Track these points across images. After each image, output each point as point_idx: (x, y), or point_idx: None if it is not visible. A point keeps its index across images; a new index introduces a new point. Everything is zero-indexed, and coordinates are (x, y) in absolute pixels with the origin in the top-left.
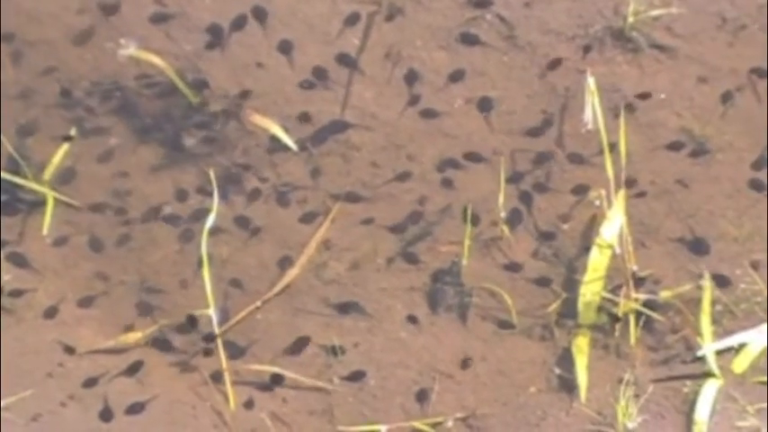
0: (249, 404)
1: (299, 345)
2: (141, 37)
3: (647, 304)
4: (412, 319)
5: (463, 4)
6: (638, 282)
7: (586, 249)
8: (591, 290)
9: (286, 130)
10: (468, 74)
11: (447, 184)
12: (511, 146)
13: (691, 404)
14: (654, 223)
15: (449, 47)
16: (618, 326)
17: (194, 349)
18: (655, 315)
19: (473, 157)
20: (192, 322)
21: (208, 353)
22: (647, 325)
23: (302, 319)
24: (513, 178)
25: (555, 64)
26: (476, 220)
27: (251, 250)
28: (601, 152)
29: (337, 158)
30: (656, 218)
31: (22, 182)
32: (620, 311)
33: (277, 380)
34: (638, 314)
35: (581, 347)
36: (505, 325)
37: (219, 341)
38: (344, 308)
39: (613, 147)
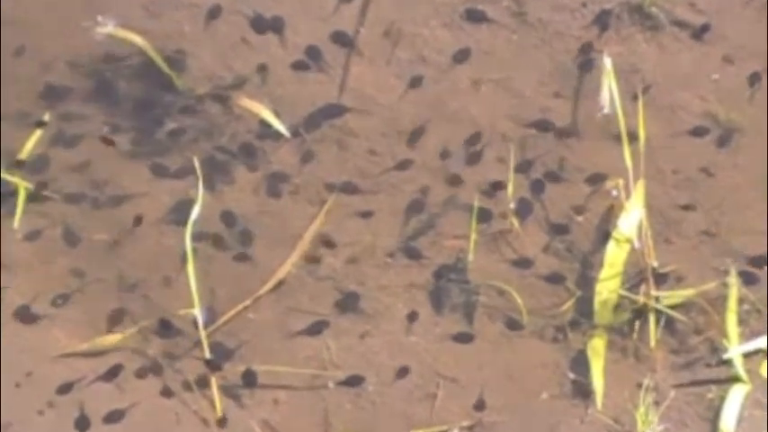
0: (237, 411)
1: (292, 346)
2: (120, 14)
3: (668, 303)
4: (414, 319)
5: None
6: (659, 279)
7: (603, 243)
8: (607, 287)
9: (277, 114)
10: (475, 53)
11: (451, 173)
12: (520, 132)
13: (716, 411)
14: (676, 215)
15: (453, 24)
16: (637, 326)
17: (178, 352)
18: (676, 315)
19: (479, 143)
20: (175, 323)
21: (193, 355)
22: (669, 325)
23: (295, 319)
24: (523, 166)
25: (568, 43)
26: (482, 213)
27: (239, 245)
28: (618, 138)
29: (333, 146)
30: (678, 209)
31: None
32: (638, 311)
33: (268, 384)
34: (659, 314)
35: (597, 350)
36: (515, 325)
37: (205, 343)
38: (341, 307)
39: (632, 132)
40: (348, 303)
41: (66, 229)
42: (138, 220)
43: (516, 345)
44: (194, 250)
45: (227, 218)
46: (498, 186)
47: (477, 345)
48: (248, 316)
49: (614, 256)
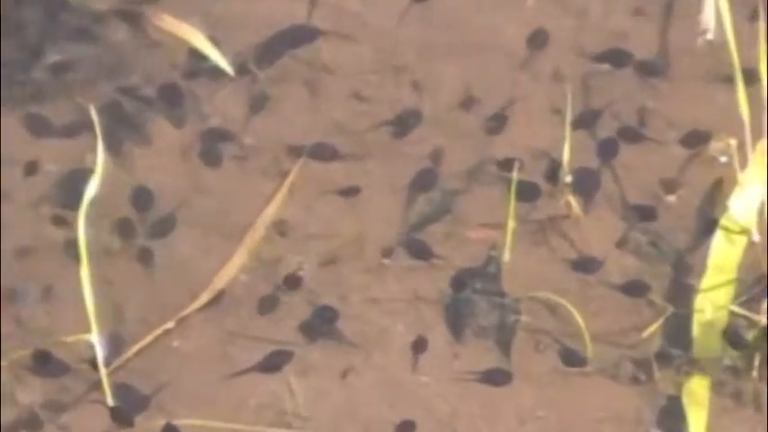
0: None
1: (237, 390)
2: None
3: None
4: (421, 349)
5: None
6: None
7: (706, 236)
8: (713, 302)
9: (215, 41)
10: None
11: (477, 128)
12: (582, 67)
13: None
14: None
15: None
16: (756, 361)
17: (66, 398)
18: None
19: (519, 84)
20: (59, 355)
21: (89, 402)
22: None
23: (242, 349)
24: (586, 120)
25: None
26: (525, 189)
27: (158, 237)
28: (728, 78)
29: (299, 87)
30: None
31: None
32: (759, 337)
33: None
34: None
35: (697, 395)
36: (574, 359)
37: (107, 385)
38: (311, 330)
39: (748, 70)
40: (322, 325)
41: None
42: (6, 199)
43: (576, 388)
44: (90, 245)
45: (140, 197)
46: (548, 150)
47: (517, 388)
48: (171, 344)
49: (723, 256)
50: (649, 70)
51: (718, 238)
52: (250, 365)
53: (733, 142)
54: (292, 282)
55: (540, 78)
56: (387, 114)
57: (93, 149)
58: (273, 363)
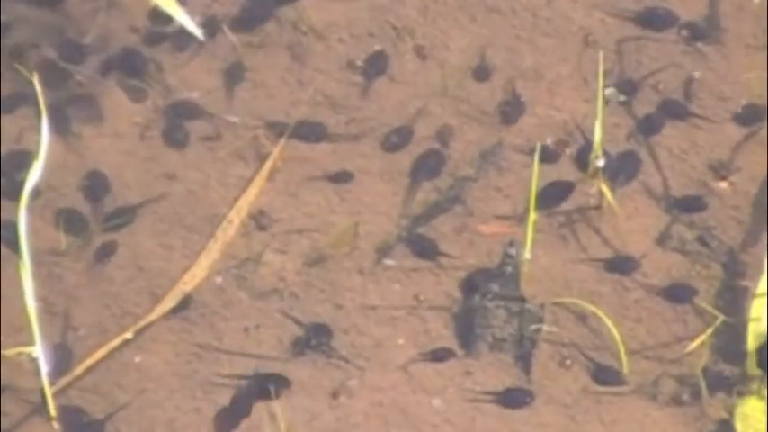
0: None
1: (209, 413)
2: None
3: None
4: (425, 364)
5: None
6: None
7: (763, 230)
8: None
9: (182, 1)
10: None
11: (491, 102)
12: (617, 31)
13: None
14: None
15: None
16: None
17: (5, 423)
18: None
19: (542, 50)
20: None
21: (29, 427)
22: None
23: (213, 364)
24: (623, 91)
25: None
26: (550, 175)
27: (115, 232)
28: None
29: (281, 53)
30: None
31: None
32: None
33: None
34: None
35: (752, 420)
36: (607, 376)
37: (52, 407)
38: (294, 343)
39: None
40: (309, 337)
41: None
42: None
43: (609, 411)
44: (33, 241)
45: (93, 184)
46: (577, 127)
47: (540, 410)
48: (133, 359)
49: None
50: (697, 34)
51: None
52: (221, 384)
53: None
54: (271, 284)
55: (566, 43)
56: (383, 86)
57: (36, 127)
58: (252, 383)
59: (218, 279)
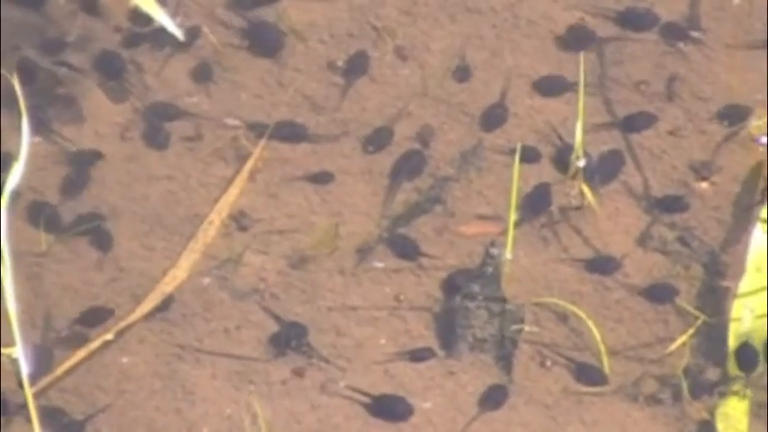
0: None
1: (188, 414)
2: None
3: None
4: (406, 365)
5: None
6: None
7: (745, 231)
8: (753, 309)
9: (162, 1)
10: None
11: (471, 103)
12: (599, 29)
13: None
14: None
15: None
16: None
17: None
18: None
19: (519, 50)
20: None
21: (9, 429)
22: None
23: (193, 366)
24: (603, 91)
25: None
26: (532, 176)
27: (95, 233)
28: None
29: (261, 55)
30: None
31: None
32: None
33: None
34: None
35: (733, 420)
36: (589, 377)
37: (33, 409)
38: (275, 342)
39: None
40: (289, 337)
41: None
42: None
43: (591, 410)
44: (13, 242)
45: (73, 185)
46: (557, 126)
47: (521, 411)
48: (118, 360)
49: (764, 254)
50: (678, 33)
51: (759, 232)
52: (202, 386)
53: None
54: (251, 284)
55: (546, 44)
56: (365, 86)
57: (16, 128)
58: (231, 383)
59: (199, 280)
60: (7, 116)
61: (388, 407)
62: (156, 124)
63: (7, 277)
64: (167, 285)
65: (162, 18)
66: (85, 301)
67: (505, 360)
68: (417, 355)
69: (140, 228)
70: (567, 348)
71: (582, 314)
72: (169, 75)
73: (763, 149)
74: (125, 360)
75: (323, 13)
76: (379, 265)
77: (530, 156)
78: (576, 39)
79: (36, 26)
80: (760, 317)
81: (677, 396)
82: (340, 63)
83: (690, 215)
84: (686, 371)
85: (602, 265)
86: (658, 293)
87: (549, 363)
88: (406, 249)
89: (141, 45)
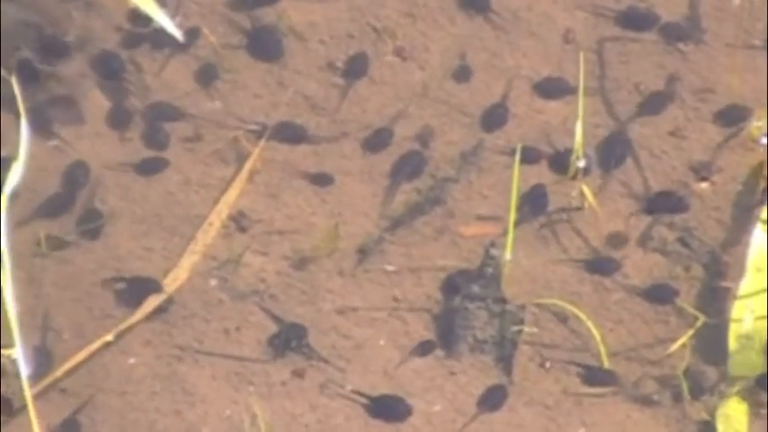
0: None
1: (188, 416)
2: None
3: None
4: (407, 366)
5: None
6: None
7: (745, 231)
8: (753, 310)
9: (161, 1)
10: None
11: (472, 103)
12: (598, 29)
13: None
14: None
15: None
16: None
17: None
18: None
19: (519, 51)
20: None
21: (9, 430)
22: None
23: (193, 366)
24: (604, 92)
25: None
26: (532, 176)
27: (95, 234)
28: None
29: (260, 55)
30: None
31: None
32: None
33: None
34: None
35: (733, 421)
36: (590, 378)
37: (32, 410)
38: (275, 344)
39: None
40: (288, 339)
41: None
42: None
43: (592, 411)
44: (13, 243)
45: (72, 186)
46: (558, 129)
47: (521, 412)
48: (118, 361)
49: (765, 255)
50: (678, 34)
51: (760, 233)
52: (203, 386)
53: None
54: (251, 285)
55: (547, 44)
56: (365, 88)
57: (16, 128)
58: (231, 384)
59: (199, 281)
60: (7, 116)
61: (387, 407)
62: (156, 125)
63: (7, 278)
64: (169, 286)
65: (161, 18)
66: (85, 302)
67: (505, 361)
68: (419, 351)
69: (139, 229)
70: (568, 350)
71: (582, 315)
72: (169, 75)
73: (763, 150)
74: (125, 361)
75: (323, 14)
76: (380, 266)
77: (530, 156)
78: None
79: (35, 26)
80: (760, 318)
81: (677, 397)
82: (340, 64)
83: (690, 216)
84: (686, 372)
85: (601, 266)
86: (658, 294)
87: (548, 364)
88: (407, 249)
89: (141, 45)
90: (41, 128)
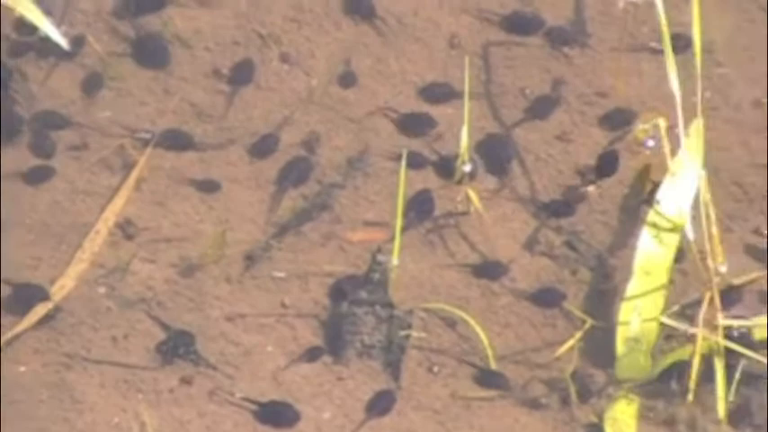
0: None
1: (77, 423)
2: None
3: (744, 340)
4: (295, 372)
5: None
6: (730, 297)
7: (631, 234)
8: (640, 312)
9: (46, 10)
10: None
11: (357, 109)
12: (484, 34)
13: None
14: (757, 184)
15: None
16: (692, 382)
17: None
18: (759, 358)
19: (405, 56)
20: None
21: None
22: (749, 379)
23: (79, 375)
24: (490, 96)
25: None
26: (418, 182)
27: None
28: (656, 49)
29: (146, 63)
30: (760, 173)
31: None
32: (695, 354)
33: None
34: (731, 358)
35: (621, 424)
36: (481, 381)
37: None
38: (163, 351)
39: (680, 36)
40: (176, 346)
41: None
42: None
43: (480, 415)
44: None
45: None
46: (443, 132)
47: (410, 417)
48: (6, 369)
49: (652, 257)
50: (563, 38)
51: (646, 236)
52: (91, 393)
53: (662, 123)
54: (138, 293)
55: (432, 49)
56: (251, 94)
57: None
58: (119, 392)
59: (87, 289)
60: None
61: (276, 414)
62: (42, 133)
63: None
64: (55, 295)
65: (47, 27)
66: None
67: (393, 366)
68: (307, 357)
69: (27, 238)
70: (456, 355)
71: (469, 319)
72: (54, 84)
73: (649, 153)
74: (15, 369)
75: (208, 21)
76: (267, 272)
77: (416, 161)
78: (462, 43)
79: None
80: (647, 321)
81: (565, 400)
82: (225, 71)
83: (577, 219)
84: (574, 375)
85: (489, 270)
86: (546, 298)
87: (437, 368)
88: (293, 255)
89: (26, 54)
90: None
